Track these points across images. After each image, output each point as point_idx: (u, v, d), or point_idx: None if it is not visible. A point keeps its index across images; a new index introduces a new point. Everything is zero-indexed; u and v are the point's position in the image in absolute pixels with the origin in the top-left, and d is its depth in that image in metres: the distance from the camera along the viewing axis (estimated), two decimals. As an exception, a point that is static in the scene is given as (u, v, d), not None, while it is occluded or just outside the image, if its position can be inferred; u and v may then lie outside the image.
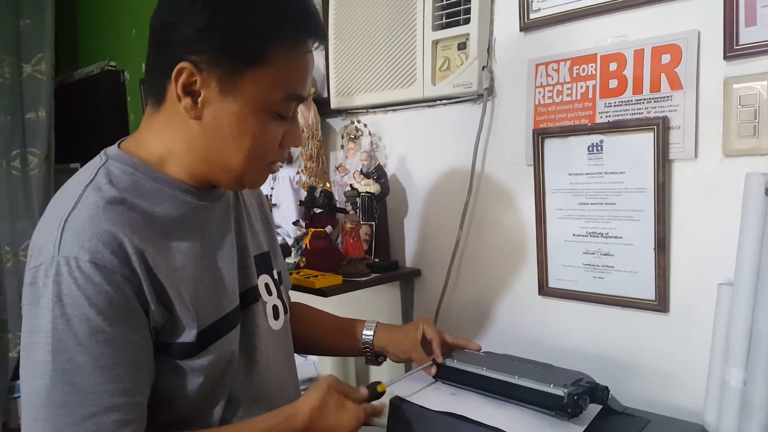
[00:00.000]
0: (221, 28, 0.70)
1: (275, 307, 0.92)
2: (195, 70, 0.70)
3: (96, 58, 2.73)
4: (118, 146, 0.78)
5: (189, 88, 0.71)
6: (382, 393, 0.87)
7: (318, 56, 1.63)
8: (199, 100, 0.72)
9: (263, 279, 0.91)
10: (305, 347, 1.09)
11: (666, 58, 1.03)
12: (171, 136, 0.76)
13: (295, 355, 1.02)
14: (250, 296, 0.86)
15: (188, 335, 0.73)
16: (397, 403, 0.96)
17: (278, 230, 1.60)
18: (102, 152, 0.78)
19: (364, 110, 1.54)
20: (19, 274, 2.49)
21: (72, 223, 0.67)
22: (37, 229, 0.71)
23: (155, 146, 0.77)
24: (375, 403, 0.86)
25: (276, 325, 0.92)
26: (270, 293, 0.92)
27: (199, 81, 0.71)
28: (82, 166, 0.78)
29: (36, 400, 0.66)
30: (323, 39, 0.78)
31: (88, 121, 2.72)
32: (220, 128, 0.73)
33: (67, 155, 2.66)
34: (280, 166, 1.61)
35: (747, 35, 0.94)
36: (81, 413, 0.65)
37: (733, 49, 0.96)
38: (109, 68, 2.64)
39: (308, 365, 1.59)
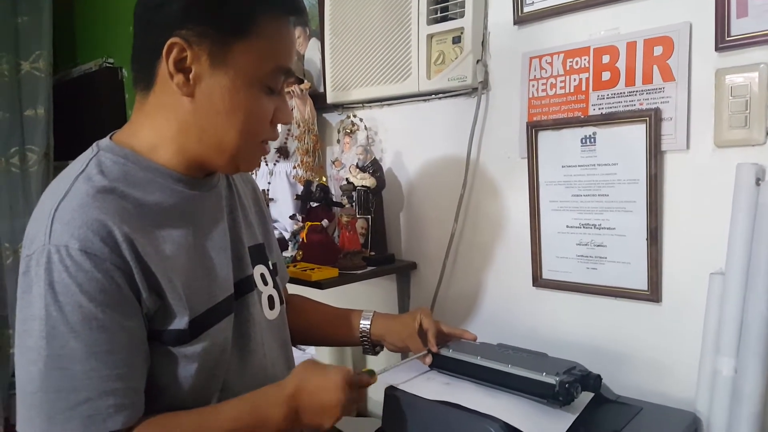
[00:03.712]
0: (208, 1, 0.71)
1: (270, 297, 0.93)
2: (185, 44, 0.71)
3: (94, 56, 2.73)
4: (110, 138, 0.79)
5: (180, 65, 0.72)
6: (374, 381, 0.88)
7: (314, 51, 1.64)
8: (191, 75, 0.72)
9: (258, 269, 0.91)
10: (303, 338, 1.10)
11: (658, 50, 1.04)
12: (162, 119, 0.76)
13: (293, 347, 1.02)
14: (245, 285, 0.87)
15: (180, 322, 0.73)
16: (392, 392, 0.97)
17: (275, 224, 1.61)
18: (94, 144, 0.78)
19: (360, 105, 1.55)
20: (18, 270, 2.47)
21: (62, 212, 0.68)
22: (31, 220, 0.72)
23: (146, 134, 0.77)
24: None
25: (271, 315, 0.93)
26: (266, 283, 0.93)
27: (189, 56, 0.71)
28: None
29: (30, 386, 0.66)
30: (303, 14, 0.79)
31: (86, 118, 2.72)
32: (213, 104, 0.74)
33: (66, 152, 2.66)
34: (276, 161, 1.62)
35: (739, 26, 0.95)
36: (76, 398, 0.66)
37: (724, 41, 0.96)
38: (108, 65, 2.65)
39: (306, 357, 1.60)
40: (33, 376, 0.66)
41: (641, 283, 1.08)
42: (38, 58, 2.59)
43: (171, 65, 0.72)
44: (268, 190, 1.63)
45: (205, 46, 0.72)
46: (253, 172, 1.53)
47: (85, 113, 2.73)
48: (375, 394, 0.89)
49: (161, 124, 0.76)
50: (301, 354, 1.62)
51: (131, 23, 0.79)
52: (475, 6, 1.25)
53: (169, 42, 0.71)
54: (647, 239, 1.07)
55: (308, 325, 1.09)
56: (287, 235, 1.54)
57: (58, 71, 2.78)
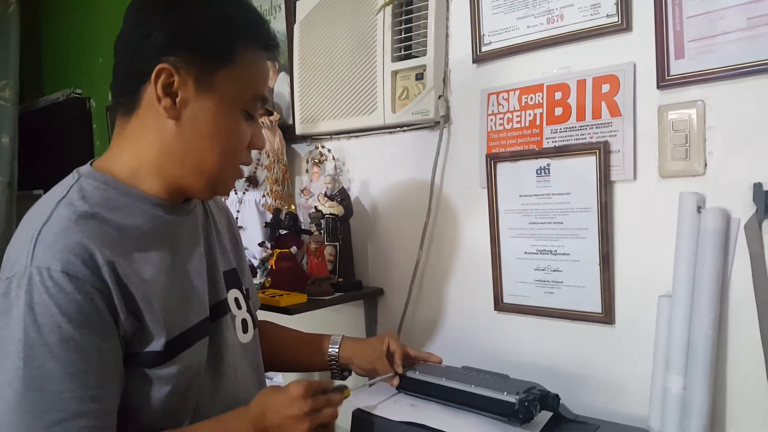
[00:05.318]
0: (195, 32, 0.76)
1: (244, 321, 0.95)
2: (174, 70, 0.75)
3: (62, 86, 2.73)
4: (90, 165, 0.81)
5: (168, 89, 0.76)
6: (347, 396, 0.89)
7: (283, 84, 1.69)
8: (178, 99, 0.76)
9: (233, 293, 0.94)
10: (272, 364, 1.11)
11: (606, 88, 1.11)
12: (144, 141, 0.79)
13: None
14: (219, 309, 0.89)
15: (156, 344, 0.75)
16: (359, 414, 0.99)
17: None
18: (74, 171, 0.80)
19: (328, 136, 1.60)
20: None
21: (45, 236, 0.70)
22: (11, 243, 0.74)
23: (127, 158, 0.80)
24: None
25: (245, 338, 0.95)
26: (239, 307, 0.95)
27: (177, 81, 0.76)
28: (45, 192, 0.79)
29: (5, 407, 0.67)
30: (277, 48, 0.86)
31: (53, 147, 2.70)
32: (197, 126, 0.78)
33: (31, 181, 2.64)
34: (246, 190, 1.65)
35: (677, 67, 1.03)
36: (50, 419, 0.66)
37: (665, 80, 1.04)
38: (75, 95, 2.65)
39: (273, 385, 1.60)
40: (8, 398, 0.66)
41: (595, 306, 1.14)
42: (4, 87, 2.58)
43: (159, 89, 0.75)
44: (237, 218, 1.65)
45: (192, 72, 0.76)
46: (224, 199, 1.55)
47: (52, 143, 2.71)
48: (342, 420, 0.91)
49: (143, 147, 0.79)
50: (269, 382, 1.62)
51: (101, 54, 0.82)
52: (437, 45, 1.32)
53: (158, 67, 0.75)
54: (600, 264, 1.12)
55: (277, 351, 1.11)
56: (256, 263, 1.56)
57: (25, 101, 2.76)
